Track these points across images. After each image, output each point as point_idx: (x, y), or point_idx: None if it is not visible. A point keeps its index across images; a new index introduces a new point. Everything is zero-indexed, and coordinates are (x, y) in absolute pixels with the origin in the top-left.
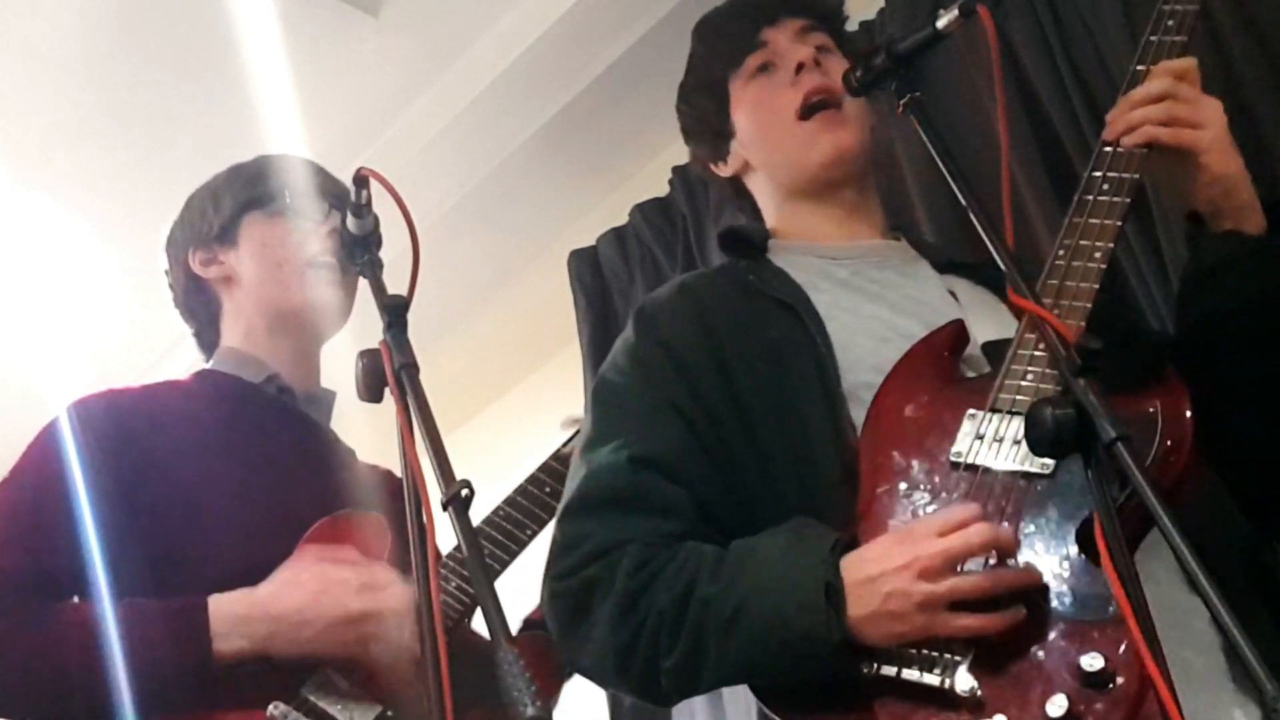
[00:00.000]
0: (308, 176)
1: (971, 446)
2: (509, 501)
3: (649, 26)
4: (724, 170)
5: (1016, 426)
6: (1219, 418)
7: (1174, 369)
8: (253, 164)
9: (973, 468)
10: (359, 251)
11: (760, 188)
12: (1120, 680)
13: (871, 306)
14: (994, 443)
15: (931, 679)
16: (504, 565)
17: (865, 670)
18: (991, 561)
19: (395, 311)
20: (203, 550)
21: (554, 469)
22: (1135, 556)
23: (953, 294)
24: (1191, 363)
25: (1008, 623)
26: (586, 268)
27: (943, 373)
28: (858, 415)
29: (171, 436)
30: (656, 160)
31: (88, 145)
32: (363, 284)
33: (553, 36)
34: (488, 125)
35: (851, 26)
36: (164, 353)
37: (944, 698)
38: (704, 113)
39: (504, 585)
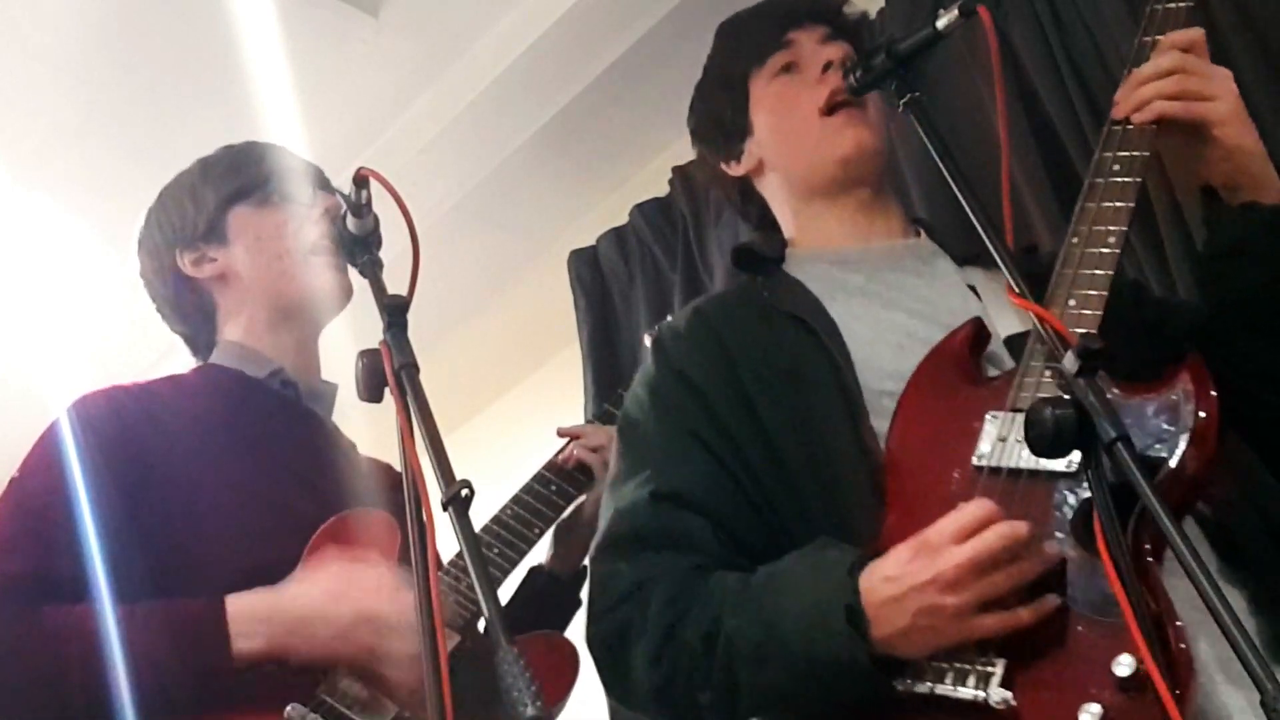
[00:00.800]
0: (287, 160)
1: (995, 448)
2: (516, 501)
3: (649, 26)
4: (735, 170)
5: None
6: (1253, 396)
7: (1198, 353)
8: (224, 155)
9: (997, 470)
10: (359, 251)
11: (774, 189)
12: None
13: (888, 313)
14: (1017, 443)
15: (966, 693)
16: (513, 564)
17: (899, 689)
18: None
19: (395, 311)
20: (207, 549)
21: (557, 467)
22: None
23: (973, 288)
24: (1219, 344)
25: (1040, 614)
26: (586, 268)
27: (963, 374)
28: (879, 426)
29: (174, 435)
30: (656, 160)
31: (88, 145)
32: (362, 283)
33: (553, 36)
34: (488, 125)
35: (869, 17)
36: (164, 352)
37: (978, 710)
38: (720, 110)
39: (511, 586)
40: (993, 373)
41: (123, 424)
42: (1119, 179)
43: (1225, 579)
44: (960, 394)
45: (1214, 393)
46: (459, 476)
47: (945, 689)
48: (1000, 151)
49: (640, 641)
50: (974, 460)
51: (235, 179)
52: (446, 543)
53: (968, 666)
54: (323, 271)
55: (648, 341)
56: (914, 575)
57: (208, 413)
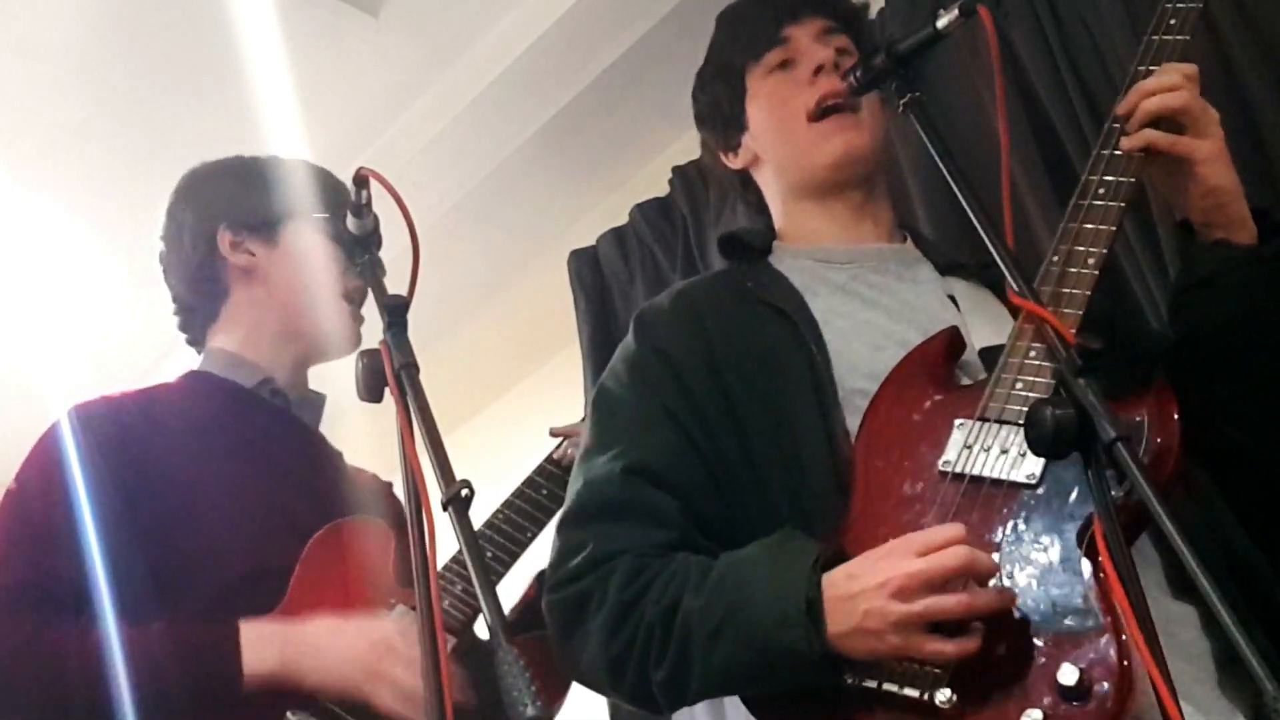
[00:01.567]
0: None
1: (960, 455)
2: (507, 504)
3: (649, 27)
4: (734, 162)
5: (1005, 435)
6: (1216, 429)
7: (1165, 378)
8: (309, 168)
9: (960, 476)
10: (359, 251)
11: (768, 183)
12: (1097, 693)
13: (868, 313)
14: (982, 451)
15: (911, 692)
16: (506, 568)
17: (849, 681)
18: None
19: (395, 311)
20: (206, 554)
21: (549, 471)
22: None
23: (952, 298)
24: (1186, 375)
25: (975, 647)
26: (586, 268)
27: (937, 380)
28: (852, 422)
29: (172, 440)
30: (656, 160)
31: (88, 146)
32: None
33: (553, 36)
34: (488, 125)
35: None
36: (164, 352)
37: (924, 710)
38: (718, 100)
39: (506, 588)
40: (966, 381)
41: (122, 428)
42: (1103, 203)
43: (1180, 596)
44: (932, 399)
45: (1176, 418)
46: (459, 476)
47: (892, 686)
48: (1000, 151)
49: (600, 614)
50: (939, 465)
51: (312, 194)
52: (446, 541)
53: (916, 666)
54: (345, 320)
55: None
56: (870, 577)
57: (201, 418)
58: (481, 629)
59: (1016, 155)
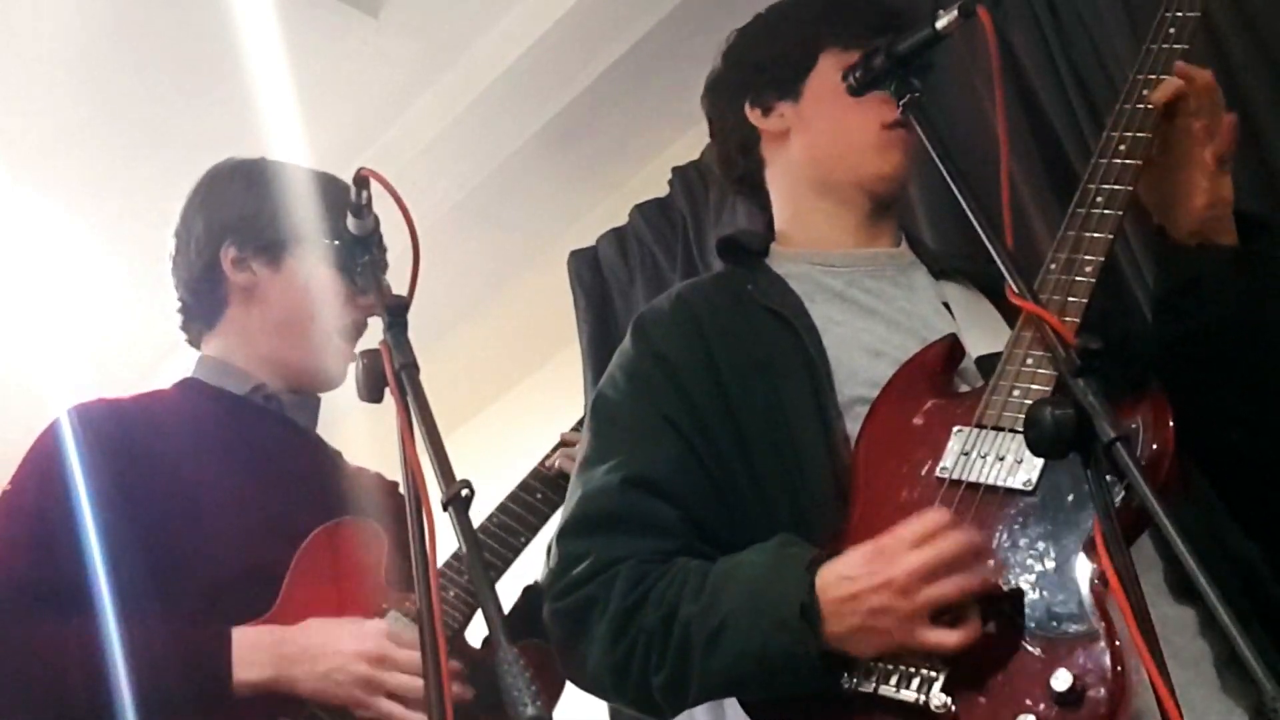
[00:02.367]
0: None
1: (958, 462)
2: (501, 509)
3: (649, 27)
4: (757, 117)
5: (1002, 442)
6: (1210, 432)
7: (1157, 383)
8: (323, 184)
9: (958, 483)
10: (359, 252)
11: (785, 165)
12: (1090, 699)
13: (865, 320)
14: (980, 458)
15: (908, 695)
16: (499, 572)
17: (845, 685)
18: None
19: (395, 311)
20: (204, 554)
21: (542, 474)
22: None
23: (947, 305)
24: (1176, 378)
25: (977, 636)
26: (586, 268)
27: (936, 387)
28: (850, 428)
29: (171, 443)
30: (656, 160)
31: (88, 146)
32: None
33: (553, 37)
34: (488, 125)
35: None
36: (164, 353)
37: (919, 713)
38: (776, 54)
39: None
40: (964, 388)
41: (122, 427)
42: (1099, 211)
43: (1180, 599)
44: (931, 406)
45: (1171, 424)
46: (459, 476)
47: (889, 690)
48: (999, 152)
49: (602, 621)
50: (937, 472)
51: (324, 219)
52: (445, 542)
53: (912, 670)
54: (336, 358)
55: None
56: (871, 576)
57: (197, 422)
58: (472, 635)
59: (1016, 156)
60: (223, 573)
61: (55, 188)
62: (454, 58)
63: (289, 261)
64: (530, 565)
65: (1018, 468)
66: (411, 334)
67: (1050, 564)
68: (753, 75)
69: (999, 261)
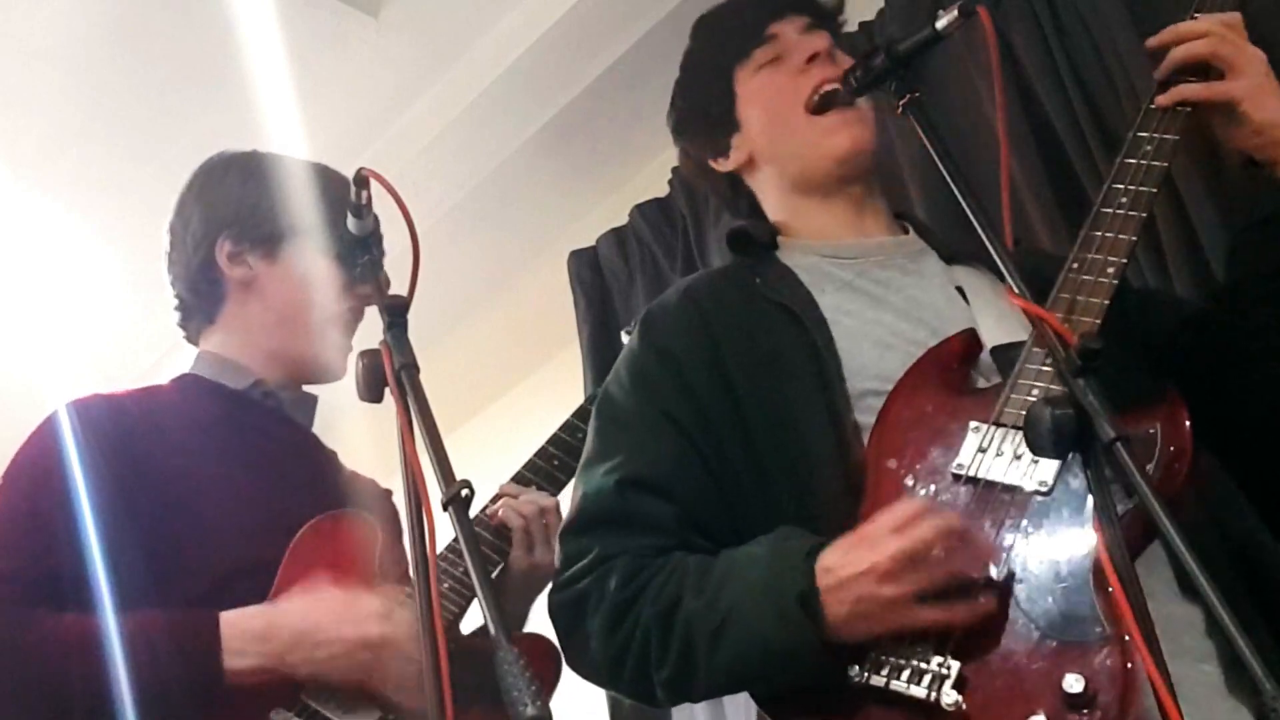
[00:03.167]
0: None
1: (974, 459)
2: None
3: (649, 27)
4: (723, 165)
5: (1018, 441)
6: (1231, 427)
7: (1174, 388)
8: (320, 176)
9: (973, 480)
10: (359, 252)
11: (765, 184)
12: (1101, 702)
13: (874, 311)
14: (996, 456)
15: (918, 691)
16: (496, 566)
17: (856, 679)
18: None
19: (395, 311)
20: (201, 549)
21: (561, 440)
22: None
23: (960, 290)
24: (1233, 315)
25: (975, 613)
26: (586, 268)
27: (951, 383)
28: (862, 421)
29: (169, 436)
30: (656, 160)
31: (88, 146)
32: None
33: (553, 37)
34: (488, 125)
35: (851, 27)
36: (164, 352)
37: (929, 709)
38: (704, 105)
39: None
40: (981, 384)
41: (120, 423)
42: (1125, 212)
43: (1188, 598)
44: (947, 401)
45: (1188, 427)
46: (459, 476)
47: (899, 685)
48: (999, 151)
49: (597, 614)
50: (952, 468)
51: (321, 211)
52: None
53: (924, 666)
54: (334, 351)
55: (624, 340)
56: (852, 565)
57: (195, 418)
58: (465, 626)
59: (1016, 155)
60: (220, 568)
61: (55, 188)
62: (454, 58)
63: (285, 254)
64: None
65: (1034, 468)
66: (411, 334)
67: (1063, 566)
68: (696, 133)
69: (998, 261)
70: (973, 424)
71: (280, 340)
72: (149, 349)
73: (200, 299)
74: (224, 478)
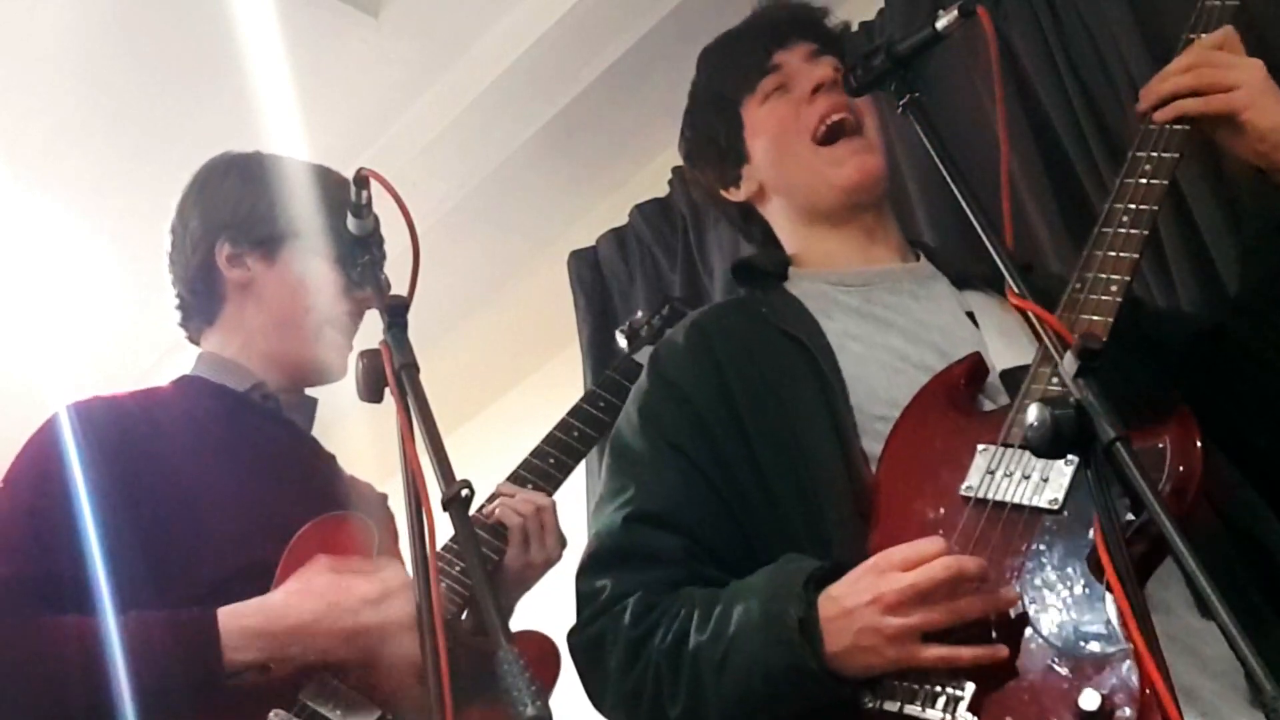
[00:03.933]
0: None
1: (983, 481)
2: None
3: (649, 27)
4: (735, 195)
5: (1028, 461)
6: (1241, 437)
7: (1183, 402)
8: (320, 177)
9: (983, 501)
10: (359, 252)
11: (776, 214)
12: (1119, 718)
13: (883, 336)
14: (1005, 477)
15: (934, 715)
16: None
17: (869, 705)
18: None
19: (395, 311)
20: (200, 551)
21: (557, 439)
22: (1148, 586)
23: (970, 315)
24: (1248, 322)
25: (983, 658)
26: (586, 268)
27: (959, 405)
28: (871, 447)
29: (169, 438)
30: (656, 160)
31: (88, 146)
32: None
33: (553, 37)
34: (488, 125)
35: (851, 27)
36: (164, 353)
37: None
38: (713, 135)
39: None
40: (989, 406)
41: (120, 425)
42: (1126, 230)
43: (1206, 615)
44: (955, 424)
45: (1199, 445)
46: (459, 476)
47: (914, 710)
48: (999, 152)
49: (614, 653)
50: (961, 490)
51: (320, 213)
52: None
53: (938, 689)
54: (333, 352)
55: (620, 341)
56: (858, 595)
57: (195, 419)
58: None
59: (1016, 156)
60: (219, 570)
61: (55, 188)
62: (454, 58)
63: (284, 256)
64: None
65: (1044, 486)
66: (411, 334)
67: (1078, 583)
68: (707, 163)
69: (998, 261)
70: (981, 446)
71: (277, 342)
72: (149, 349)
73: (200, 300)
74: (223, 480)
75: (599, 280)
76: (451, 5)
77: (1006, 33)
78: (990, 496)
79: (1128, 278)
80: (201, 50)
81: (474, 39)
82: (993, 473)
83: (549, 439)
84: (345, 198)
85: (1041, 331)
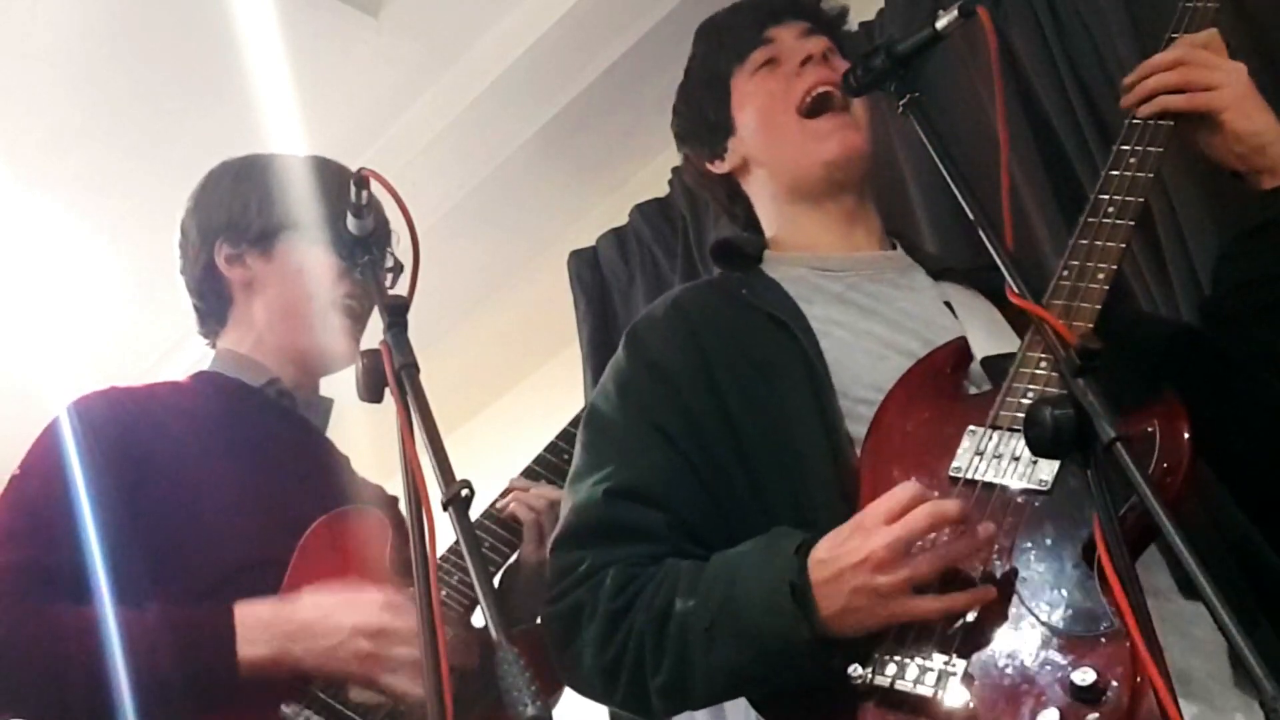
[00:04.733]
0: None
1: (971, 462)
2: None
3: (649, 27)
4: (720, 168)
5: (1016, 443)
6: (1224, 440)
7: (1172, 390)
8: (312, 168)
9: (971, 483)
10: (359, 252)
11: (758, 189)
12: (1111, 694)
13: (866, 322)
14: (994, 459)
15: (924, 690)
16: (498, 567)
17: (858, 679)
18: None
19: (395, 311)
20: (203, 548)
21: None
22: (1139, 571)
23: (949, 305)
24: (1223, 326)
25: (974, 602)
26: (586, 268)
27: (944, 389)
28: (855, 430)
29: (172, 435)
30: (656, 160)
31: (89, 146)
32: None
33: (553, 37)
34: (488, 125)
35: (851, 27)
36: (164, 352)
37: (936, 708)
38: (702, 108)
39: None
40: (973, 390)
41: (122, 423)
42: (1112, 220)
43: (1193, 598)
44: (941, 408)
45: (1187, 435)
46: (459, 476)
47: (905, 684)
48: (999, 152)
49: (591, 625)
50: (949, 472)
51: (313, 202)
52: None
53: (929, 664)
54: (339, 336)
55: None
56: (847, 556)
57: (205, 414)
58: (478, 619)
59: (1016, 156)
60: (222, 564)
61: (56, 188)
62: (454, 58)
63: (280, 248)
64: None
65: (1033, 468)
66: (411, 334)
67: (1067, 563)
68: (695, 136)
69: (999, 261)
70: (969, 427)
71: (285, 334)
72: (149, 349)
73: (210, 305)
74: (229, 474)
75: (599, 280)
76: (451, 5)
77: (1006, 33)
78: (979, 478)
79: (1114, 266)
80: (201, 50)
81: (474, 39)
82: (981, 454)
83: (564, 434)
84: (340, 183)
85: (1042, 331)
